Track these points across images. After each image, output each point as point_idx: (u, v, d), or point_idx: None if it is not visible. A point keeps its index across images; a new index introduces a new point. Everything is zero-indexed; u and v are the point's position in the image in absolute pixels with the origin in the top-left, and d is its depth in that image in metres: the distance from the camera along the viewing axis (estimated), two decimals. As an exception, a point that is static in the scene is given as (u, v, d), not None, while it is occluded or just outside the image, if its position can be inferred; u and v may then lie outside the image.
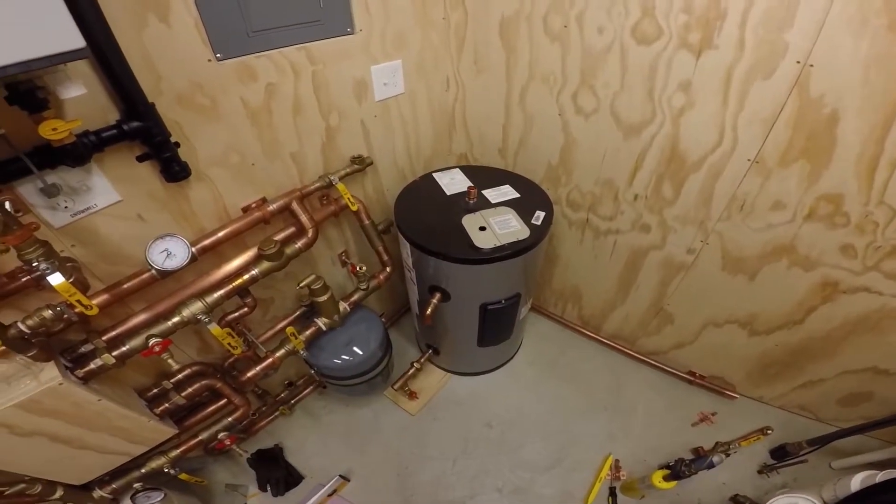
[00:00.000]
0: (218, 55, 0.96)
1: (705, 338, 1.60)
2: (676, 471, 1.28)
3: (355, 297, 1.41)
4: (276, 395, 1.65)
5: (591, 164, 1.42)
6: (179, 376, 1.21)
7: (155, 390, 1.18)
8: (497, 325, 1.51)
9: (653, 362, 1.79)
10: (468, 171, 1.54)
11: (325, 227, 1.39)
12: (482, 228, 1.26)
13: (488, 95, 1.49)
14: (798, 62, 0.96)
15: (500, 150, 1.61)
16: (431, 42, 1.39)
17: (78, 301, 0.84)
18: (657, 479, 1.33)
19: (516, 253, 1.22)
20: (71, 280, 0.82)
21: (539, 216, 1.30)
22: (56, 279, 0.79)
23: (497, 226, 1.26)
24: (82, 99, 0.82)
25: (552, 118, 1.40)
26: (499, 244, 1.20)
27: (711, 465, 1.26)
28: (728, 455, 1.31)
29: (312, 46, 1.11)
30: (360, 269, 1.37)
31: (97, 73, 0.81)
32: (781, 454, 1.50)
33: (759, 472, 1.50)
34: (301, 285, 1.26)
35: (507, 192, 1.39)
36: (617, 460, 1.54)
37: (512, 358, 1.84)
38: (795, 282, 1.29)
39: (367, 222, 1.38)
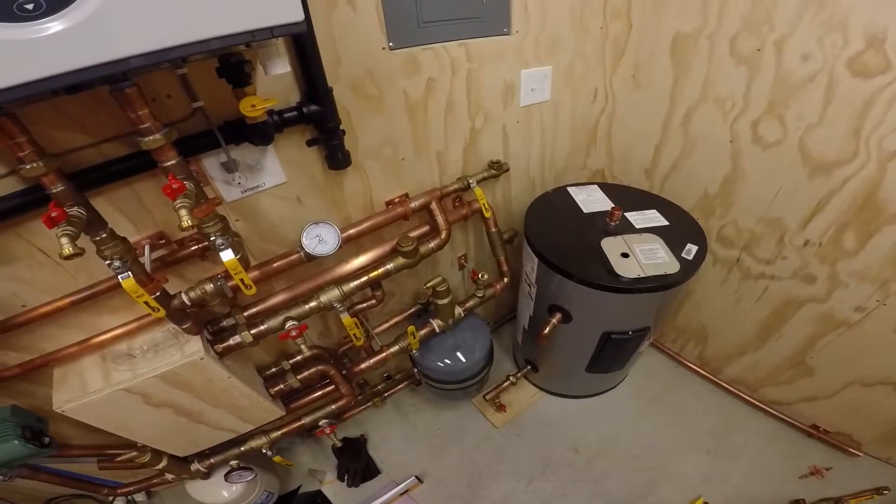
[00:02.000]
0: (391, 44, 0.95)
1: (847, 395, 1.40)
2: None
3: (470, 303, 1.37)
4: (374, 385, 1.67)
5: (758, 198, 1.25)
6: (298, 358, 1.22)
7: (273, 370, 1.21)
8: (615, 356, 1.40)
9: (773, 411, 1.61)
10: (607, 188, 1.43)
11: (452, 229, 1.36)
12: (625, 255, 1.15)
13: (644, 112, 1.37)
14: None
15: (647, 171, 1.48)
16: (584, 51, 1.31)
17: (241, 280, 0.85)
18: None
19: (660, 287, 1.10)
20: (238, 257, 0.83)
21: (691, 250, 1.17)
22: (227, 255, 0.81)
23: (642, 254, 1.15)
24: (274, 78, 0.84)
25: (721, 144, 1.25)
26: (643, 275, 1.10)
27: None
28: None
29: (471, 43, 1.07)
30: (482, 276, 1.32)
31: (290, 52, 0.82)
32: (893, 516, 1.29)
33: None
34: (427, 285, 1.24)
35: (653, 218, 1.27)
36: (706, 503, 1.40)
37: (615, 387, 1.73)
38: None
39: (493, 230, 1.32)
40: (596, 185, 1.44)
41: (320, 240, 1.01)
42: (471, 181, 1.21)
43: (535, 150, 1.42)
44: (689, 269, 1.13)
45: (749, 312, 1.46)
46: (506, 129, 1.29)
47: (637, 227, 1.24)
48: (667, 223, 1.26)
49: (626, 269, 1.11)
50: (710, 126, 1.25)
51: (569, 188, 1.43)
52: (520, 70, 1.20)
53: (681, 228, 1.25)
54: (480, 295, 1.38)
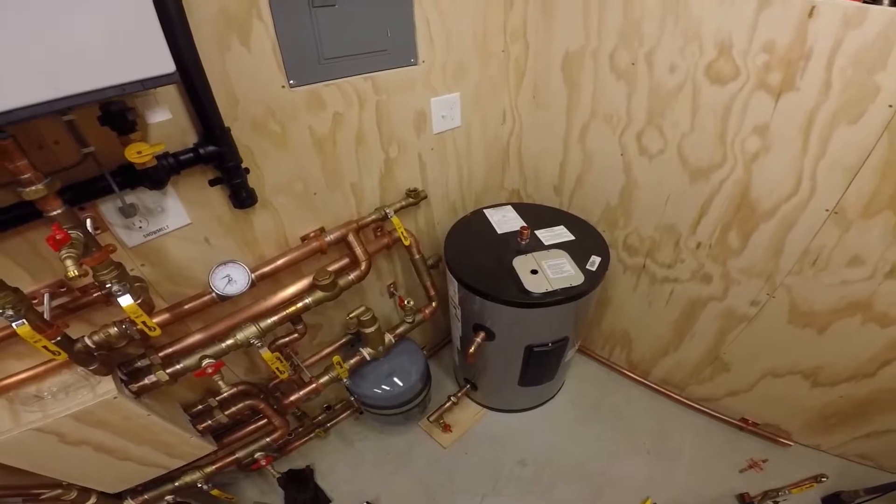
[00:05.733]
0: (291, 82, 0.98)
1: (763, 387, 1.50)
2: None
3: (400, 329, 1.41)
4: (314, 417, 1.66)
5: (652, 207, 1.36)
6: (225, 394, 1.22)
7: (200, 406, 1.21)
8: (541, 367, 1.46)
9: (702, 408, 1.70)
10: (521, 208, 1.51)
11: (376, 259, 1.39)
12: (534, 272, 1.22)
13: (546, 131, 1.46)
14: (890, 106, 0.89)
15: (556, 188, 1.57)
16: (490, 74, 1.39)
17: (143, 323, 0.87)
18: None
19: (568, 299, 1.17)
20: (139, 302, 0.85)
21: (594, 261, 1.26)
22: (126, 301, 0.82)
23: (549, 270, 1.22)
24: (166, 122, 0.85)
25: (614, 157, 1.35)
26: (550, 289, 1.17)
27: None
28: (777, 503, 1.20)
29: (378, 76, 1.12)
30: (408, 303, 1.36)
31: (182, 95, 0.84)
32: (835, 503, 1.39)
33: (810, 519, 1.38)
34: (351, 316, 1.26)
35: (561, 234, 1.36)
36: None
37: (553, 397, 1.78)
38: (870, 337, 1.19)
39: (417, 256, 1.37)
40: (510, 206, 1.52)
41: (230, 280, 1.02)
42: (388, 211, 1.26)
43: (452, 174, 1.48)
44: (593, 279, 1.21)
45: (662, 315, 1.56)
46: (421, 157, 1.35)
47: (546, 243, 1.32)
48: (573, 238, 1.34)
49: (536, 285, 1.18)
50: (602, 141, 1.36)
51: (485, 210, 1.50)
52: (430, 98, 1.26)
53: (586, 242, 1.34)
54: (410, 321, 1.41)
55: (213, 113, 0.87)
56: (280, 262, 1.12)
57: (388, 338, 1.39)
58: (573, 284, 1.18)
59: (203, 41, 0.80)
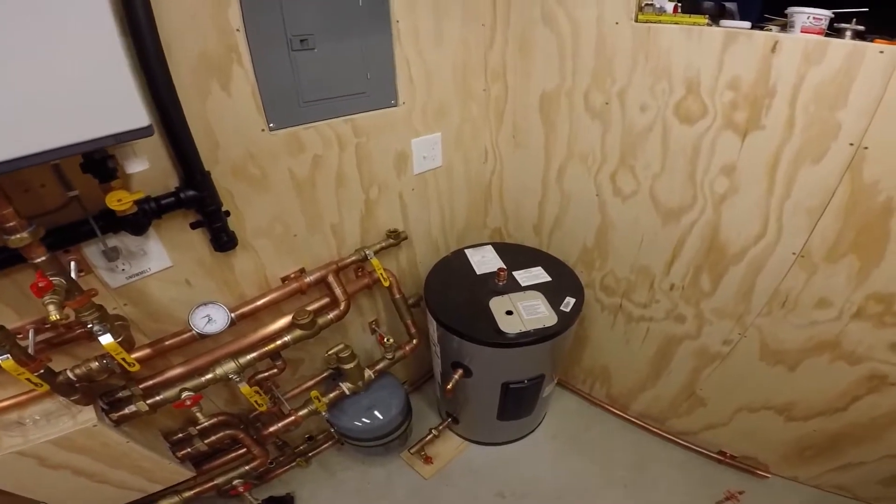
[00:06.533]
0: (271, 125, 1.01)
1: (739, 421, 1.52)
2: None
3: (381, 365, 1.43)
4: (296, 446, 1.67)
5: (627, 248, 1.39)
6: (205, 424, 1.23)
7: (180, 434, 1.23)
8: (518, 403, 1.48)
9: (681, 442, 1.71)
10: (501, 248, 1.54)
11: (357, 297, 1.42)
12: (509, 312, 1.25)
13: (526, 170, 1.50)
14: (851, 144, 0.90)
15: (535, 227, 1.60)
16: (471, 113, 1.42)
17: (123, 359, 0.91)
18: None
19: (542, 339, 1.20)
20: (119, 340, 0.89)
21: (569, 303, 1.28)
22: (106, 340, 0.86)
23: (524, 310, 1.25)
24: (153, 165, 0.88)
25: (589, 198, 1.39)
26: (524, 330, 1.19)
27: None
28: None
29: (358, 118, 1.15)
30: (388, 340, 1.39)
31: (164, 140, 0.86)
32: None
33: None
34: (329, 353, 1.28)
35: (538, 275, 1.39)
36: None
37: (533, 431, 1.79)
38: (839, 374, 1.20)
39: (398, 296, 1.40)
40: (490, 246, 1.55)
41: (209, 319, 1.05)
42: (368, 252, 1.29)
43: (434, 214, 1.52)
44: (566, 320, 1.24)
45: (639, 351, 1.58)
46: (403, 198, 1.38)
47: (522, 284, 1.35)
48: (549, 279, 1.37)
49: (510, 326, 1.21)
50: (578, 181, 1.39)
51: (466, 250, 1.53)
52: (410, 139, 1.30)
53: (562, 283, 1.37)
54: (390, 357, 1.43)
55: (193, 157, 0.90)
56: (260, 302, 1.15)
57: (368, 373, 1.41)
58: (546, 325, 1.21)
59: (184, 86, 0.84)
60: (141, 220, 0.87)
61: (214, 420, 1.26)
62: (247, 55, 0.91)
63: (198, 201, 0.94)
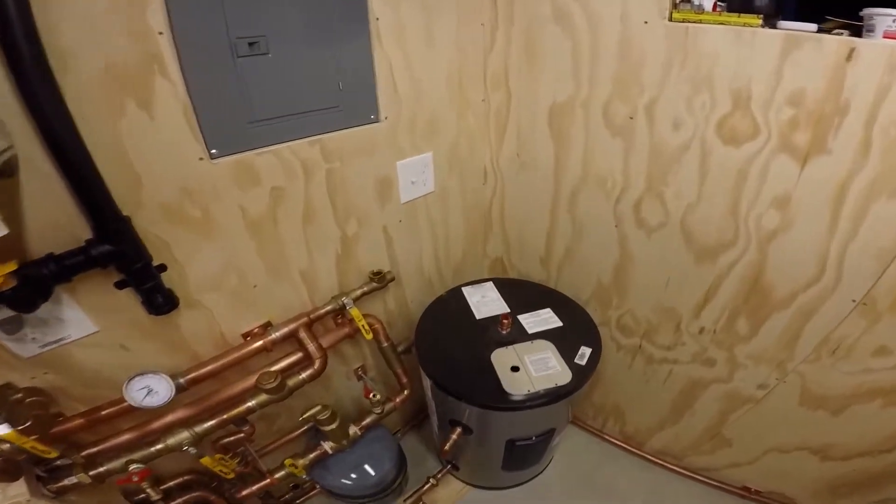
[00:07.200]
0: (213, 152, 0.80)
1: (768, 460, 1.37)
2: None
3: (368, 420, 1.25)
4: (281, 496, 1.51)
5: (650, 287, 1.20)
6: (171, 484, 1.08)
7: (142, 495, 1.03)
8: (524, 457, 1.32)
9: (700, 478, 1.57)
10: (503, 285, 1.35)
11: (340, 345, 1.22)
12: (515, 368, 1.07)
13: (532, 195, 1.29)
14: None
15: (542, 260, 1.40)
16: (468, 126, 1.21)
17: (33, 447, 0.75)
18: None
19: (553, 400, 1.02)
20: (28, 424, 0.73)
21: (584, 354, 1.10)
22: (4, 430, 0.70)
23: (532, 366, 1.07)
24: (39, 215, 0.67)
25: (607, 229, 1.19)
26: (533, 390, 1.02)
27: None
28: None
29: (328, 139, 0.94)
30: (374, 396, 1.20)
31: (62, 177, 0.65)
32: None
33: None
34: (304, 417, 1.10)
35: (547, 319, 1.20)
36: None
37: (542, 472, 1.64)
38: (890, 419, 1.06)
39: (385, 344, 1.21)
40: (491, 283, 1.35)
41: (150, 391, 0.86)
42: (346, 301, 1.08)
43: (426, 247, 1.31)
44: (582, 375, 1.06)
45: (659, 392, 1.41)
46: (388, 231, 1.17)
47: (530, 331, 1.16)
48: (560, 324, 1.19)
49: (516, 386, 1.03)
50: (594, 209, 1.19)
51: (464, 288, 1.33)
52: (395, 161, 1.08)
53: (576, 328, 1.18)
54: (378, 412, 1.25)
55: (102, 201, 0.69)
56: (214, 365, 0.96)
57: (354, 430, 1.23)
58: (559, 384, 1.03)
59: (86, 108, 0.64)
60: (27, 294, 0.66)
61: (180, 480, 1.09)
62: (174, 64, 0.70)
63: (116, 257, 0.72)
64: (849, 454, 1.20)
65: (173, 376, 0.88)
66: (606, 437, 1.70)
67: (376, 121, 1.00)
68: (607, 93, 1.01)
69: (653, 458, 1.62)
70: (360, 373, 1.33)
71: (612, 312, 1.33)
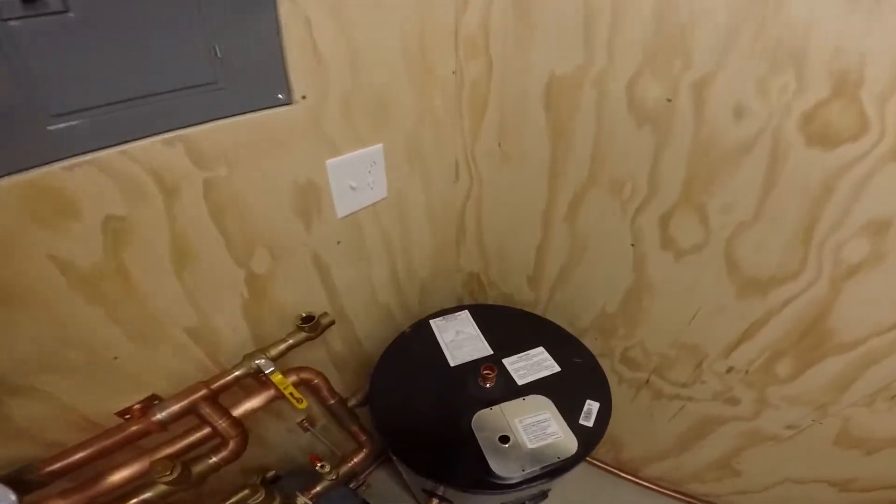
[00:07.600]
0: None
1: (779, 490, 1.22)
2: None
3: (319, 488, 0.97)
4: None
5: (671, 321, 0.95)
6: None
7: None
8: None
9: (701, 501, 1.43)
10: (482, 315, 1.05)
11: (270, 405, 0.91)
12: (504, 439, 0.81)
13: (518, 197, 0.98)
14: None
15: (531, 280, 1.11)
16: (433, 108, 0.88)
17: None
18: None
19: (554, 474, 0.78)
20: None
21: (591, 410, 0.85)
22: None
23: (526, 433, 0.81)
24: None
25: (620, 247, 0.91)
26: (530, 470, 0.77)
27: None
28: None
29: (200, 134, 0.59)
30: (323, 466, 0.92)
31: None
32: None
33: None
34: (232, 501, 0.82)
35: (540, 363, 0.92)
36: None
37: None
38: None
39: (332, 402, 0.91)
40: (467, 313, 1.05)
41: None
42: (262, 363, 0.76)
43: (379, 270, 0.99)
44: (590, 440, 0.82)
45: (664, 426, 1.21)
46: (320, 259, 0.84)
47: (520, 383, 0.89)
48: (558, 368, 0.92)
49: (507, 465, 0.77)
50: (603, 221, 0.90)
51: (433, 321, 1.03)
52: (323, 160, 0.74)
53: (577, 374, 0.92)
54: (332, 478, 0.97)
55: None
56: (82, 454, 0.66)
57: (303, 501, 0.96)
58: (562, 457, 0.78)
59: None
60: None
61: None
62: None
63: None
64: (871, 487, 1.06)
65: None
66: (599, 465, 1.51)
67: (286, 102, 0.65)
68: (635, 65, 0.70)
69: (648, 485, 1.45)
70: (306, 425, 1.03)
71: (617, 343, 1.07)
